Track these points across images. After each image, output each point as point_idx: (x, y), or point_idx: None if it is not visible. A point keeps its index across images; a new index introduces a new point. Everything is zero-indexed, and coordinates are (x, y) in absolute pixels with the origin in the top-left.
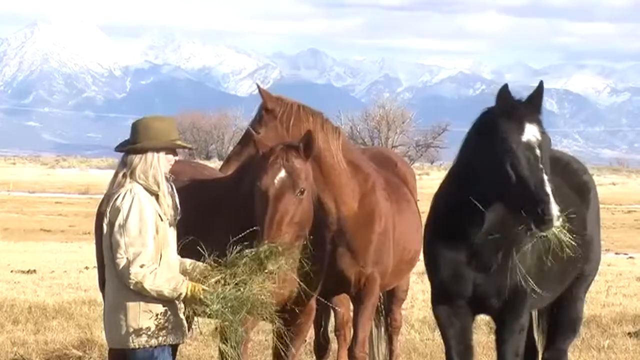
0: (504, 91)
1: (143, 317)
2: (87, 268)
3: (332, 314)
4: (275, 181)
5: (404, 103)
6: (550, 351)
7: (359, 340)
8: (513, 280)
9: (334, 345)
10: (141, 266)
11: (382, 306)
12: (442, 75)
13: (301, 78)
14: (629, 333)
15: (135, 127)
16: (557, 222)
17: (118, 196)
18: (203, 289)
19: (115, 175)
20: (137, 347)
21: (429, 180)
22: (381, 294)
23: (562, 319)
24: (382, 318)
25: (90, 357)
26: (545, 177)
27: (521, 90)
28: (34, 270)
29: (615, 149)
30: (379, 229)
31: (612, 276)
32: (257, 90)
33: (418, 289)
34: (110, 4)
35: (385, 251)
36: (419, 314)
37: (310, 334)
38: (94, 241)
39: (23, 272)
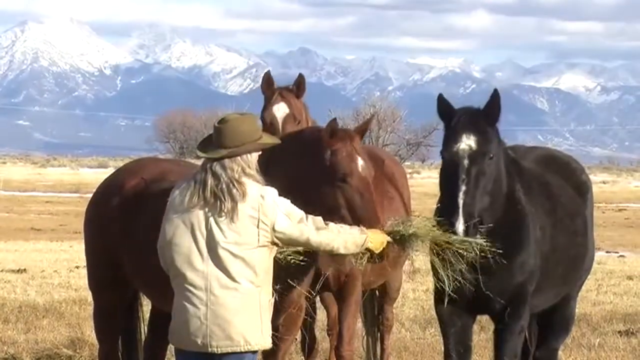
0: (440, 101)
1: (270, 315)
2: (77, 267)
3: (322, 313)
4: (361, 167)
5: (395, 102)
6: (542, 350)
7: (344, 338)
8: (515, 281)
9: (323, 344)
10: (326, 225)
11: (376, 305)
12: (432, 74)
13: (292, 77)
14: (619, 331)
15: (221, 131)
16: (460, 234)
17: (261, 195)
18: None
19: (219, 178)
20: (268, 346)
21: (419, 179)
22: (377, 292)
23: (555, 318)
24: (375, 317)
25: (81, 356)
26: (463, 188)
27: (511, 88)
28: (24, 270)
29: (605, 148)
30: None
31: (603, 274)
32: (247, 89)
33: (409, 288)
34: (101, 2)
35: None
36: (410, 312)
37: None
38: (84, 241)
39: (13, 271)
